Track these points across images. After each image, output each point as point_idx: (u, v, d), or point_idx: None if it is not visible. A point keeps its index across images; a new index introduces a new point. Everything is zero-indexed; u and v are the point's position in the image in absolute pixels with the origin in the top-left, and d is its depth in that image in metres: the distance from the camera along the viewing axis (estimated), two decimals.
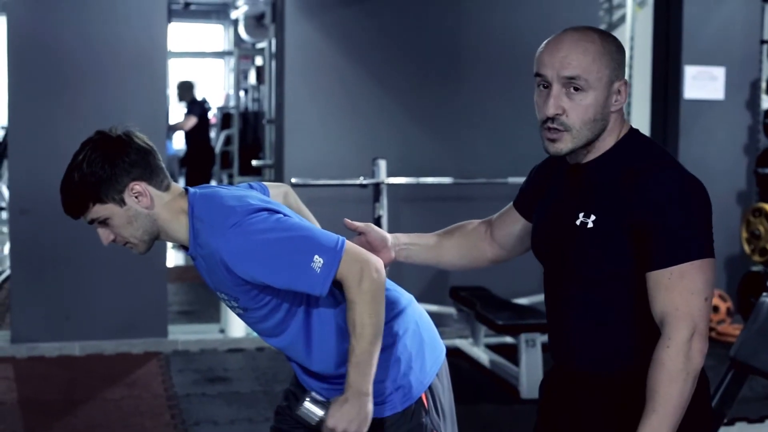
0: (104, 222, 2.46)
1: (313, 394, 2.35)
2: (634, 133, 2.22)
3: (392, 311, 2.54)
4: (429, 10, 7.00)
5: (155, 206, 2.46)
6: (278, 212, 2.42)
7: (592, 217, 2.14)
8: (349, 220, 2.56)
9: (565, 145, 2.16)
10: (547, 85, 2.16)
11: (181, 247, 2.54)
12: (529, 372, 5.61)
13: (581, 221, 2.16)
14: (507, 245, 2.56)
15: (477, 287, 6.57)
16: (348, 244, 2.35)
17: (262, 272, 2.33)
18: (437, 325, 2.73)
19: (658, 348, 2.07)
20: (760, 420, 5.24)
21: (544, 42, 2.19)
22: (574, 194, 2.21)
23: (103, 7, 6.36)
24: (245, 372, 6.13)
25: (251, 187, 2.69)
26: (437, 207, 6.88)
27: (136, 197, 2.44)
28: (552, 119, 2.15)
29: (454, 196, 6.90)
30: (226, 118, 13.02)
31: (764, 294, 4.25)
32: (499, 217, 2.57)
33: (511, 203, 2.53)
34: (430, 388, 2.57)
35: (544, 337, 6.25)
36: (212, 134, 12.60)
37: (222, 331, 6.78)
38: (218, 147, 12.37)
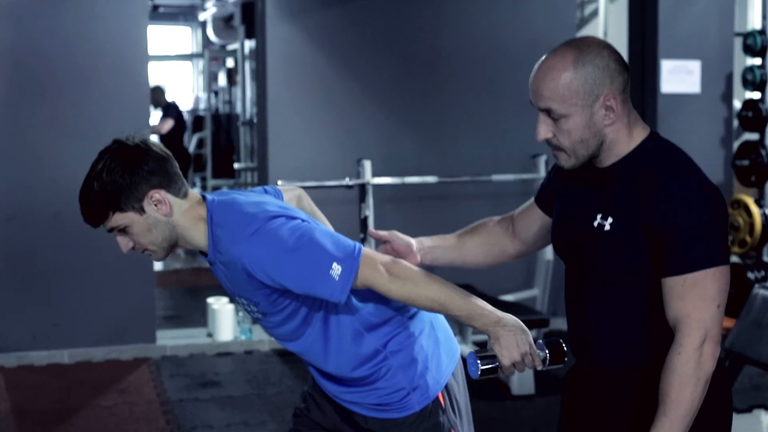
0: (123, 230, 2.46)
1: (470, 355, 2.35)
2: (654, 137, 2.24)
3: (407, 313, 2.57)
4: (410, 10, 7.03)
5: (174, 213, 2.47)
6: (295, 218, 2.43)
7: (610, 220, 2.18)
8: (374, 230, 2.60)
9: (567, 161, 2.24)
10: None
11: (200, 252, 2.56)
12: None
13: (599, 223, 2.20)
14: (529, 240, 2.60)
15: (463, 285, 6.52)
16: (365, 249, 2.37)
17: (282, 277, 2.35)
18: None
19: (670, 353, 2.12)
20: (749, 410, 5.33)
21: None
22: (592, 196, 2.25)
23: (82, 11, 6.32)
24: (236, 376, 6.12)
25: (266, 191, 2.70)
26: (423, 206, 6.92)
27: (156, 205, 2.45)
28: (548, 140, 2.23)
29: (439, 194, 6.93)
30: (197, 121, 12.99)
31: (756, 286, 4.32)
32: (520, 213, 2.61)
33: (533, 199, 2.57)
34: (446, 387, 2.60)
35: (533, 333, 6.30)
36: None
37: (210, 335, 6.78)
38: (191, 149, 12.34)
